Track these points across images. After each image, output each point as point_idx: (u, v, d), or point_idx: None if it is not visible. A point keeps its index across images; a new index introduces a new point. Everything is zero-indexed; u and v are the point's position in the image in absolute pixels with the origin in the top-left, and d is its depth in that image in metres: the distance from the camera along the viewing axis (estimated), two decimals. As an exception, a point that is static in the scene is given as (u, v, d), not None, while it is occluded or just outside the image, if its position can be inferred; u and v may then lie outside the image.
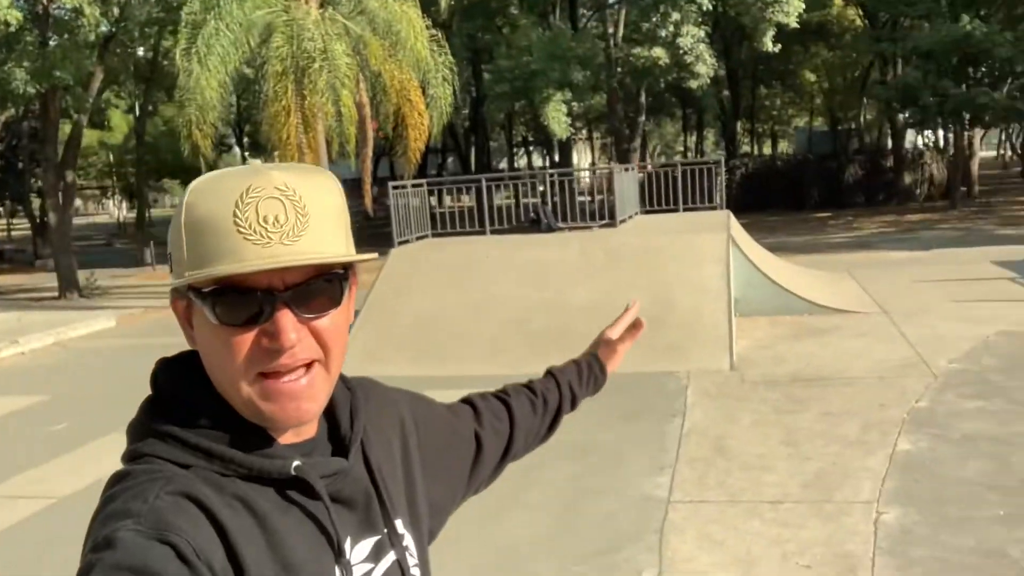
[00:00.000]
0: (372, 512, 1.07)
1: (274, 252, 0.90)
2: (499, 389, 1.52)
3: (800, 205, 30.00)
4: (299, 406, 0.96)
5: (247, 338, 0.93)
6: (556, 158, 33.95)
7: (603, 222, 13.08)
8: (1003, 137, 50.27)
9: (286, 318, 0.93)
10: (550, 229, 13.19)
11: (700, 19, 22.88)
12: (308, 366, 0.96)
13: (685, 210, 14.49)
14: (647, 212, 15.02)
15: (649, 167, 19.80)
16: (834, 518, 5.19)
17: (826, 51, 35.84)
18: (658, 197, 15.11)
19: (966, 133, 27.74)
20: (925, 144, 36.43)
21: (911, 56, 24.86)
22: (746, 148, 44.23)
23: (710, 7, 22.45)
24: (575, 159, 39.58)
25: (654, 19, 22.93)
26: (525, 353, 9.32)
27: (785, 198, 30.20)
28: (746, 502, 5.55)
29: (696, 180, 14.48)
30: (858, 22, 32.58)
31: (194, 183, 0.97)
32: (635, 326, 1.60)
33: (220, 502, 0.92)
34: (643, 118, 29.52)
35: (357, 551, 1.04)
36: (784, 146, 52.71)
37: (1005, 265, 14.12)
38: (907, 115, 26.81)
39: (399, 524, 1.11)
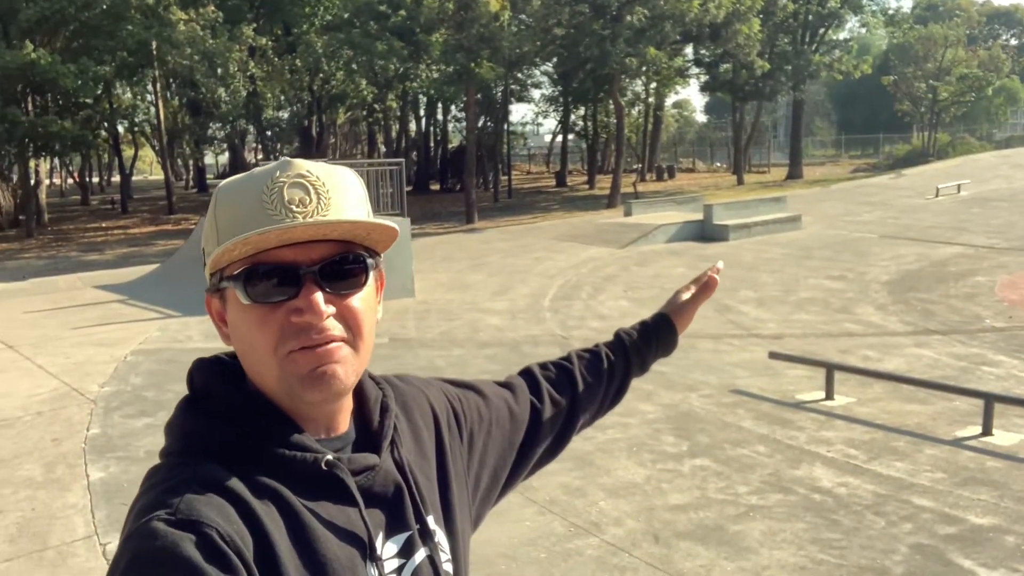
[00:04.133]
0: (403, 508, 1.07)
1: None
2: (563, 356, 1.41)
3: None
4: (326, 369, 0.97)
5: (278, 316, 0.96)
6: None
7: None
8: (59, 165, 51.31)
9: (314, 292, 0.96)
10: None
11: None
12: (337, 342, 0.98)
13: None
14: None
15: None
16: (61, 563, 4.92)
17: None
18: None
19: (33, 162, 27.58)
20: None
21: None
22: None
23: None
24: None
25: None
26: None
27: None
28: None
29: None
30: None
31: (225, 181, 1.02)
32: (708, 285, 1.51)
33: (252, 496, 0.94)
34: None
35: (388, 547, 1.05)
36: None
37: (109, 288, 14.73)
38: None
39: (430, 521, 1.11)
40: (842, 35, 41.14)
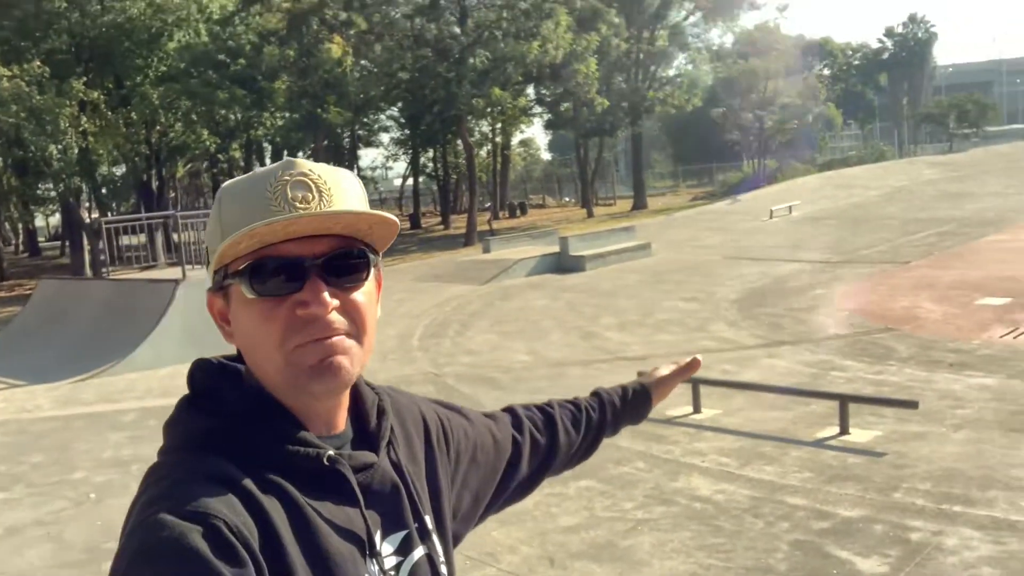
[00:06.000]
0: (401, 507, 1.09)
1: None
2: (544, 402, 1.42)
3: None
4: (332, 360, 0.98)
5: (282, 310, 0.97)
6: None
7: None
8: None
9: (318, 285, 0.97)
10: None
11: None
12: (341, 335, 0.99)
13: None
14: None
15: None
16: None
17: None
18: None
19: None
20: None
21: None
22: None
23: None
24: None
25: None
26: None
27: None
28: None
29: None
30: None
31: (228, 182, 1.04)
32: (691, 366, 1.56)
33: (255, 488, 0.94)
34: None
35: (386, 544, 1.06)
36: None
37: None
38: None
39: (428, 520, 1.12)
40: (671, 72, 43.41)
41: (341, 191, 1.00)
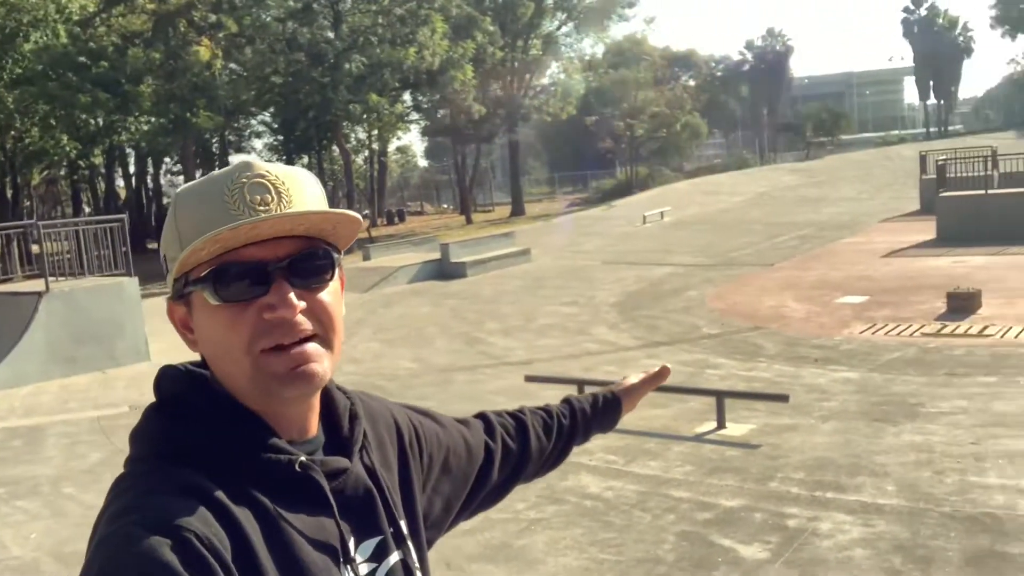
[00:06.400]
0: (375, 512, 1.07)
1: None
2: (516, 409, 1.40)
3: None
4: (304, 368, 0.96)
5: (248, 315, 0.95)
6: None
7: None
8: None
9: (284, 288, 0.96)
10: None
11: None
12: (309, 339, 0.98)
13: None
14: None
15: None
16: None
17: None
18: None
19: None
20: None
21: None
22: None
23: None
24: None
25: None
26: None
27: None
28: None
29: None
30: None
31: (183, 185, 1.02)
32: (660, 375, 1.54)
33: (227, 498, 0.92)
34: None
35: (361, 551, 1.04)
36: None
37: None
38: None
39: (403, 525, 1.10)
40: (545, 80, 44.17)
41: (300, 191, 0.99)
